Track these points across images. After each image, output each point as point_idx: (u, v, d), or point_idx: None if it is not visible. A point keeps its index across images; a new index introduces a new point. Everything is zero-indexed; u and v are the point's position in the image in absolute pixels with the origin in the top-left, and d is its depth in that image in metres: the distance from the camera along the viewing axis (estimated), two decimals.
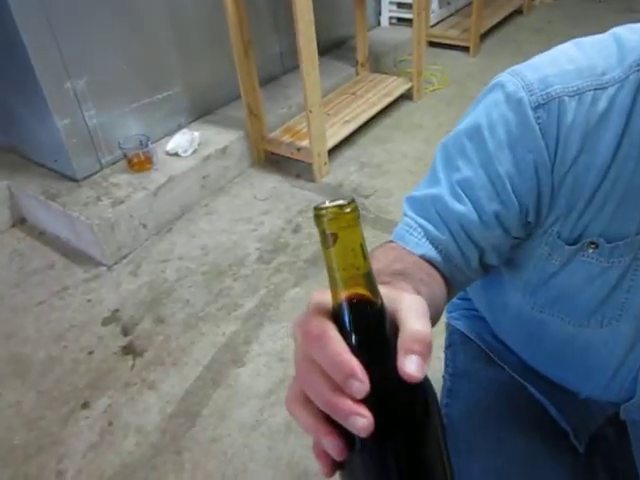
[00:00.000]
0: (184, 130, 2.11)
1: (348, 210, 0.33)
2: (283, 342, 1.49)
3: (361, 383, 0.31)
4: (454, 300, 0.98)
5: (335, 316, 0.34)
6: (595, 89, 0.55)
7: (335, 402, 0.31)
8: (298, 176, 2.16)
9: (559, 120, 0.55)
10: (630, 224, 0.58)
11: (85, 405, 1.38)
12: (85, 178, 1.92)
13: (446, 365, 0.93)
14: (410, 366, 0.32)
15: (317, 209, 0.33)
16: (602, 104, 0.55)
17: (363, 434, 0.31)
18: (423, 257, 0.60)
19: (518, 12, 3.58)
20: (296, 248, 1.81)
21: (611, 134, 0.55)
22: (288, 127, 2.25)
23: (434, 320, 0.52)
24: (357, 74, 2.66)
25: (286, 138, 2.18)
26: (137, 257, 1.83)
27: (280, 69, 2.56)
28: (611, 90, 0.55)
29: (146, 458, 1.25)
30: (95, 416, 1.35)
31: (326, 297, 0.35)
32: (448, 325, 0.99)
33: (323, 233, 0.33)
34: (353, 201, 0.33)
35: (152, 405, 1.36)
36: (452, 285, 0.63)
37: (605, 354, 0.72)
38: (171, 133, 2.11)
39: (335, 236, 0.33)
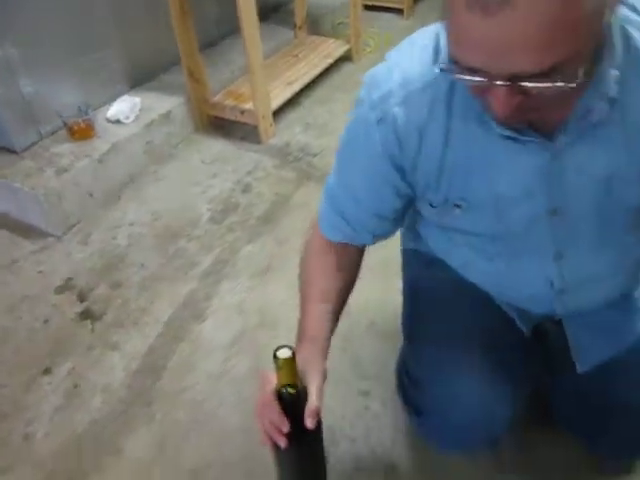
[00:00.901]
0: (124, 97, 2.08)
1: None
2: (241, 296, 1.53)
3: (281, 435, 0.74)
4: (404, 230, 1.08)
5: (277, 393, 0.75)
6: (419, 92, 0.72)
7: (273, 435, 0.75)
8: (243, 139, 2.17)
9: (395, 126, 0.74)
10: (480, 187, 0.76)
11: (47, 371, 1.38)
12: (25, 150, 1.87)
13: (404, 278, 1.09)
14: (308, 422, 0.73)
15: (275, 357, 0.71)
16: (426, 101, 0.72)
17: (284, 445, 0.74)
18: (340, 243, 0.89)
19: None
20: (247, 207, 1.84)
21: (439, 123, 0.72)
22: (230, 90, 2.24)
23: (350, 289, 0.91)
24: (295, 37, 2.68)
25: (229, 102, 2.18)
26: (86, 226, 1.81)
27: (217, 35, 2.54)
28: (430, 90, 0.72)
29: (116, 413, 1.27)
30: (58, 380, 1.35)
31: (272, 379, 0.76)
32: (403, 251, 1.09)
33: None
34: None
35: (116, 364, 1.38)
36: (380, 238, 0.91)
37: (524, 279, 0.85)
38: (111, 100, 2.07)
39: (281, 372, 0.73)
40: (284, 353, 0.70)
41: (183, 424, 1.24)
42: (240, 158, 2.08)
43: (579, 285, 0.88)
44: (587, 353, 0.99)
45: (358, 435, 1.19)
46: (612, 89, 0.65)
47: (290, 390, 0.74)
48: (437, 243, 0.97)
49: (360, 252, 0.94)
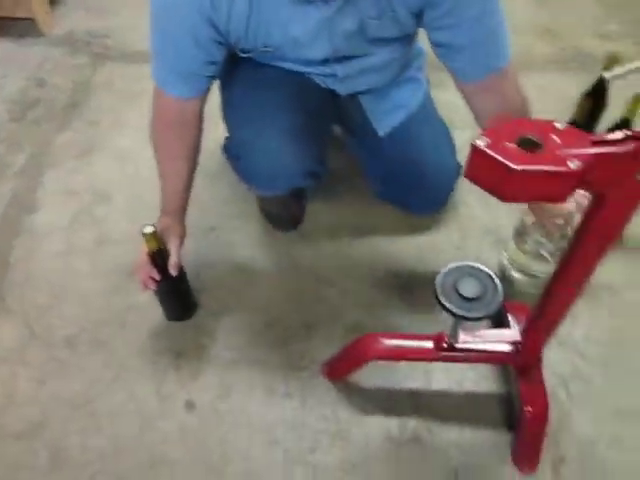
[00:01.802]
0: None
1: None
2: (68, 180, 1.52)
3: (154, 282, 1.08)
4: None
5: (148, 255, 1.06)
6: None
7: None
8: (23, 35, 2.00)
9: None
10: (279, 36, 0.96)
11: None
12: None
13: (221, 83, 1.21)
14: (172, 272, 1.08)
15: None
16: None
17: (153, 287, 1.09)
18: (181, 99, 1.02)
19: None
20: (47, 100, 1.76)
21: None
22: None
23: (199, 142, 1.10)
24: None
25: None
26: None
27: None
28: None
29: None
30: None
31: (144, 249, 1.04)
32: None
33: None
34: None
35: None
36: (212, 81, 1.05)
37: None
38: None
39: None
40: (148, 229, 1.00)
41: (45, 305, 1.27)
42: (25, 55, 1.93)
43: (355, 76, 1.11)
44: (382, 118, 1.23)
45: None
46: None
47: (156, 252, 1.05)
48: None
49: (201, 106, 1.07)
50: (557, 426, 1.05)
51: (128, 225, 1.39)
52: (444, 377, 1.13)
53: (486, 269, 0.89)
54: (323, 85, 1.15)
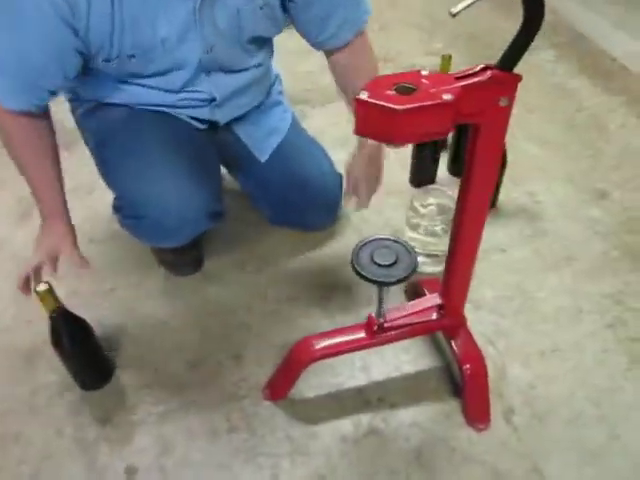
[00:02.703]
0: None
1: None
2: None
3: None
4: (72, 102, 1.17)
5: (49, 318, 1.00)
6: None
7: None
8: None
9: None
10: (147, 36, 0.92)
11: None
12: None
13: (89, 140, 1.18)
14: (82, 267, 1.06)
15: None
16: None
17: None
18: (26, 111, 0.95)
19: None
20: None
21: None
22: None
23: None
24: None
25: None
26: None
27: None
28: None
29: None
30: None
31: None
32: (79, 121, 1.17)
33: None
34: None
35: None
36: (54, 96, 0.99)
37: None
38: None
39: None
40: (42, 287, 0.93)
41: None
42: None
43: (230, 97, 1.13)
44: (260, 144, 1.27)
45: None
46: None
47: (56, 312, 0.98)
48: (109, 91, 1.07)
49: (48, 114, 1.02)
50: (496, 380, 1.10)
51: (14, 310, 1.27)
52: (382, 367, 1.14)
53: (394, 237, 0.94)
54: (202, 122, 1.16)
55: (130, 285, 1.32)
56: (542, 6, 0.66)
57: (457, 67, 0.73)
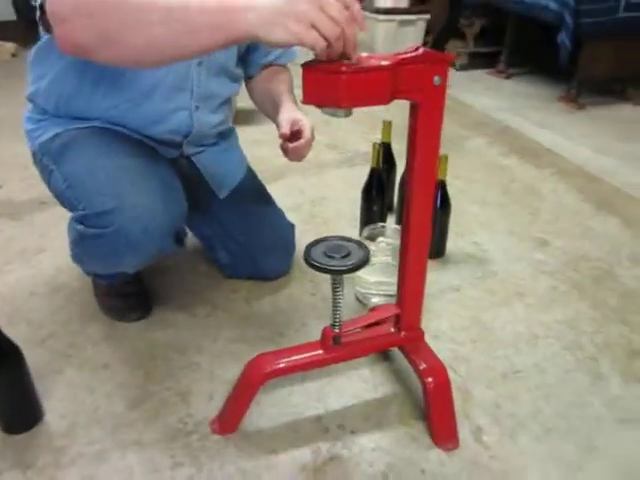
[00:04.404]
0: None
1: None
2: None
3: None
4: (29, 127, 1.15)
5: None
6: None
7: None
8: None
9: None
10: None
11: None
12: None
13: (51, 165, 1.09)
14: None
15: None
16: None
17: None
18: None
19: None
20: None
21: None
22: None
23: None
24: None
25: None
26: None
27: None
28: None
29: None
30: None
31: None
32: (36, 149, 1.13)
33: None
34: None
35: None
36: None
37: (160, 100, 1.05)
38: None
39: None
40: None
41: None
42: None
43: (204, 109, 1.17)
44: (220, 180, 1.30)
45: None
46: None
47: None
48: (84, 100, 1.07)
49: None
50: (461, 403, 1.04)
51: None
52: (340, 397, 1.07)
53: (342, 235, 0.94)
54: (171, 150, 1.19)
55: (69, 332, 1.23)
56: (460, 3, 0.76)
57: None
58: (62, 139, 1.06)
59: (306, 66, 0.73)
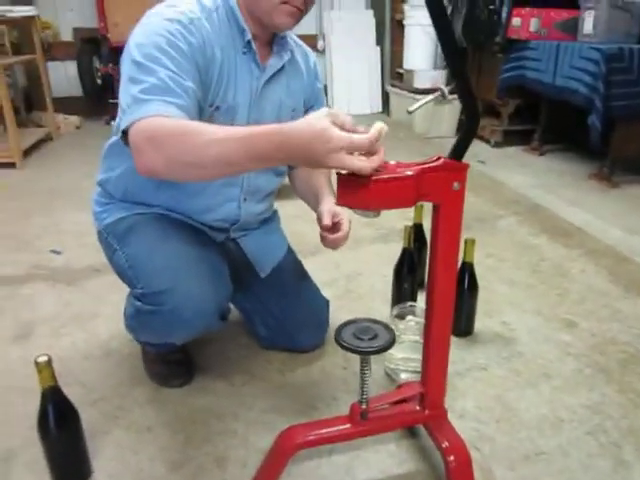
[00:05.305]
0: None
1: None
2: None
3: None
4: (97, 209, 1.31)
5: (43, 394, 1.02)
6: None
7: None
8: None
9: (201, 34, 1.05)
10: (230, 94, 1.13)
11: None
12: None
13: (116, 248, 1.23)
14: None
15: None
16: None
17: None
18: None
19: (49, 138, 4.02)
20: None
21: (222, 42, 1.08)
22: None
23: None
24: None
25: None
26: None
27: None
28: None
29: None
30: None
31: None
32: (102, 229, 1.28)
33: None
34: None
35: None
36: None
37: (211, 194, 1.21)
38: None
39: None
40: (42, 358, 0.97)
41: None
42: None
43: (252, 200, 1.31)
44: (262, 260, 1.41)
45: None
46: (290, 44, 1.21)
47: (49, 391, 1.00)
48: (148, 193, 1.22)
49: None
50: None
51: None
52: (368, 471, 1.12)
53: (371, 318, 1.03)
54: (219, 234, 1.32)
55: (118, 395, 1.34)
56: (476, 108, 0.88)
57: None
58: (126, 223, 1.21)
59: (340, 175, 0.85)
